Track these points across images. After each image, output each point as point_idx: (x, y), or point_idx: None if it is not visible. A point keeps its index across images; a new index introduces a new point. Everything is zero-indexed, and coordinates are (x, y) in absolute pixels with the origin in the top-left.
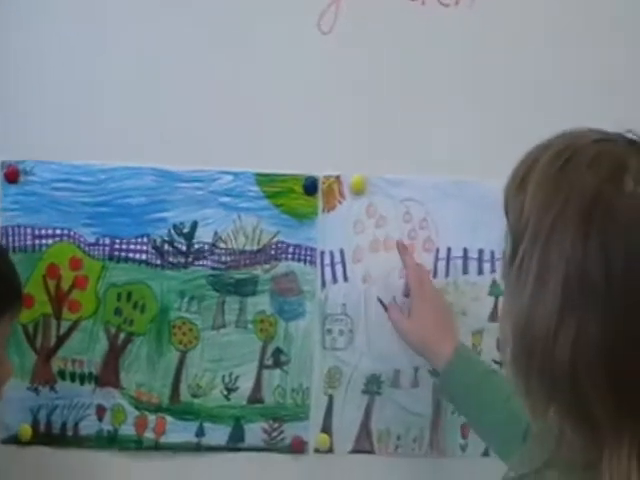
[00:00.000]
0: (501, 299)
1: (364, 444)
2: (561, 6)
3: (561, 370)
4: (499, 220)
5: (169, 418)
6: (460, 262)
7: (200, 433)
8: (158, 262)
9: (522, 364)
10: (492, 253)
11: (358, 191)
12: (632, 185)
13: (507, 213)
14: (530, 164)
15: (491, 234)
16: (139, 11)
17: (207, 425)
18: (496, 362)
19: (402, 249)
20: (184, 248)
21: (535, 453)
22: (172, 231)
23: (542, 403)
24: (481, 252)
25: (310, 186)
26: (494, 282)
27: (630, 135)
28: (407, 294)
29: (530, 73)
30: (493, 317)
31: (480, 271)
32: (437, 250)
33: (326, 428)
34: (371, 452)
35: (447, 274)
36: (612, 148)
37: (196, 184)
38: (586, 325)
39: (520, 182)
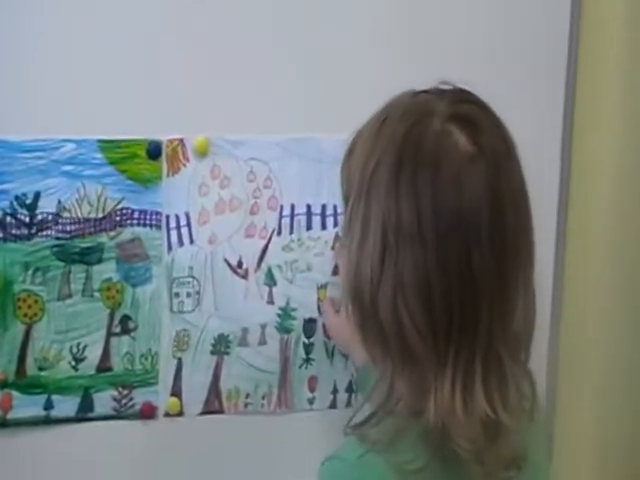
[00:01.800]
0: None
1: (214, 405)
2: None
3: (385, 313)
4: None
5: (15, 393)
6: (304, 218)
7: (49, 406)
8: (0, 235)
9: (355, 313)
10: (335, 208)
11: (202, 153)
12: (439, 124)
13: (341, 181)
14: (357, 133)
15: (333, 189)
16: None
17: (55, 397)
18: None
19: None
20: (27, 219)
21: (375, 402)
22: (14, 203)
23: (377, 351)
24: (324, 207)
25: (154, 150)
26: (337, 236)
27: (442, 85)
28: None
29: (364, 28)
30: (336, 271)
31: (323, 226)
32: (281, 207)
33: (176, 392)
34: (221, 412)
35: (291, 231)
36: (424, 98)
37: (37, 153)
38: (403, 268)
39: (348, 151)
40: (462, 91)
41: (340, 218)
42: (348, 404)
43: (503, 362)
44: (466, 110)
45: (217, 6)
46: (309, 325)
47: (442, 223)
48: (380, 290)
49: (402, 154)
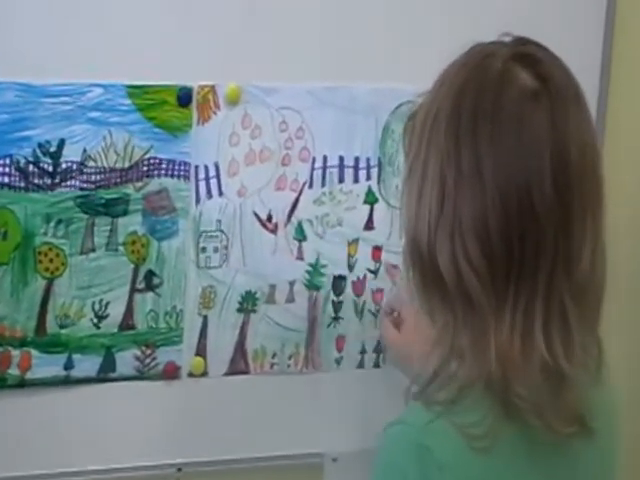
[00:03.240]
0: (376, 207)
1: (239, 365)
2: None
3: (444, 260)
4: (374, 126)
5: (35, 352)
6: (336, 171)
7: (69, 366)
8: (22, 185)
9: (415, 271)
10: (368, 160)
11: (233, 101)
12: (500, 63)
13: (404, 141)
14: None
15: (367, 141)
16: None
17: (76, 357)
18: (371, 271)
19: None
20: (50, 168)
21: (436, 364)
22: (37, 150)
23: (438, 306)
24: (357, 160)
25: (184, 97)
26: (370, 190)
27: (504, 37)
28: (391, 311)
29: None
30: (368, 226)
31: (356, 179)
32: (313, 159)
33: (200, 351)
34: (246, 372)
35: (323, 184)
36: (485, 45)
37: (63, 99)
38: (461, 211)
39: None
40: (525, 37)
41: (373, 171)
42: (376, 365)
43: (567, 312)
44: (529, 49)
45: None
46: (338, 282)
47: (502, 163)
48: (438, 237)
49: (461, 97)
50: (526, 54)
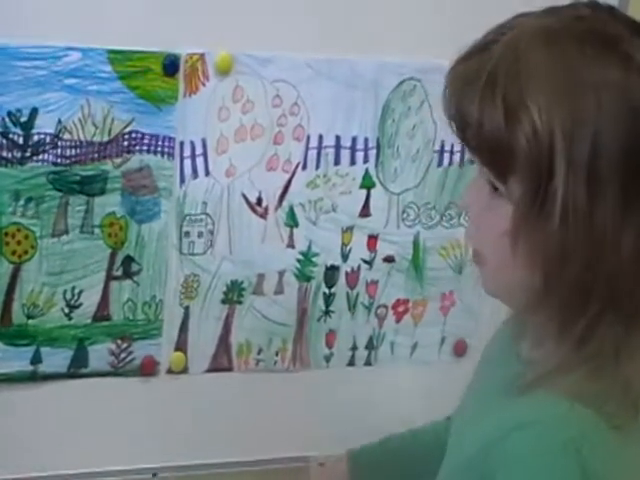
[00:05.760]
0: (373, 192)
1: (222, 361)
2: None
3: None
4: (374, 103)
5: None
6: (332, 151)
7: (36, 360)
8: None
9: (571, 281)
10: (366, 141)
11: (224, 71)
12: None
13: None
14: (509, 55)
15: (366, 119)
16: None
17: (45, 350)
18: (365, 262)
19: None
20: (21, 140)
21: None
22: (6, 120)
23: (576, 313)
24: (354, 140)
25: (170, 65)
26: (367, 173)
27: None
28: None
29: None
30: (363, 213)
31: (353, 161)
32: (308, 138)
33: (181, 345)
34: (230, 369)
35: (317, 166)
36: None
37: (37, 62)
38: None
39: (467, 84)
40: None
41: (371, 153)
42: (367, 363)
43: None
44: None
45: None
46: (331, 273)
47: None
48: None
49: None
50: None
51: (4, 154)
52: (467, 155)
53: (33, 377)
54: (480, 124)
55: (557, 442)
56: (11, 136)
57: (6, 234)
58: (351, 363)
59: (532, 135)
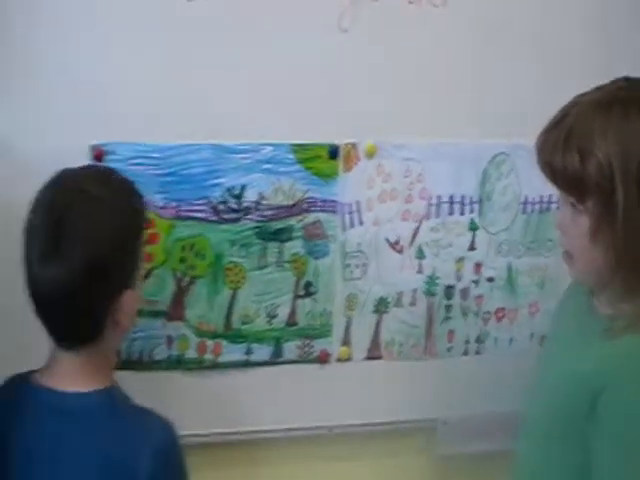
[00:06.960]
0: (477, 233)
1: (375, 352)
2: None
3: None
4: (475, 172)
5: (224, 342)
6: (447, 206)
7: (248, 352)
8: (214, 218)
9: (634, 257)
10: (471, 198)
11: (370, 155)
12: None
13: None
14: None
15: (470, 183)
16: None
17: (254, 346)
18: (473, 282)
19: None
20: (235, 206)
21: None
22: (226, 194)
23: None
24: (463, 197)
25: (333, 152)
26: (472, 221)
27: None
28: None
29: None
30: (471, 247)
31: (462, 212)
32: (430, 197)
33: (346, 342)
34: (380, 358)
35: (438, 215)
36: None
37: (244, 155)
38: None
39: (563, 144)
40: None
41: (475, 206)
42: (477, 352)
43: None
44: None
45: (393, 46)
46: (449, 290)
47: None
48: None
49: None
50: None
51: (225, 216)
52: (543, 205)
53: (246, 364)
54: (564, 168)
55: None
56: (229, 204)
57: (227, 269)
58: (465, 353)
59: (598, 170)
